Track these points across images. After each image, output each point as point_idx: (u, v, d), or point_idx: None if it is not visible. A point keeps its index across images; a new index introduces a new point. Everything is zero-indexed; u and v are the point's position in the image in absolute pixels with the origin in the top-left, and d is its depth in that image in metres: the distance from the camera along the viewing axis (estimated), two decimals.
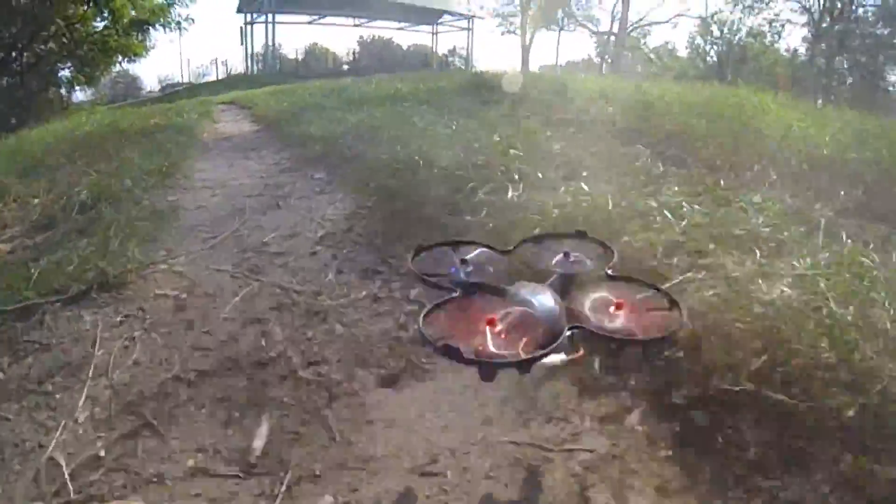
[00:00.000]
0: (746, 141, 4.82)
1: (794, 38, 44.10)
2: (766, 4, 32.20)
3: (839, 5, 29.85)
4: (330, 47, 39.46)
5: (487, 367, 1.24)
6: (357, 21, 40.08)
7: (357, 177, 4.29)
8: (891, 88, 29.80)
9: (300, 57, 37.18)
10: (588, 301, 1.39)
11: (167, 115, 11.66)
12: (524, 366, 1.26)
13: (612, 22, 37.86)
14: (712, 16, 34.44)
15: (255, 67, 36.00)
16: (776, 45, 33.53)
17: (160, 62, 75.39)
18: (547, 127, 5.74)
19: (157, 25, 19.19)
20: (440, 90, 8.86)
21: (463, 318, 1.30)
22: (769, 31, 33.14)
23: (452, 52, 44.53)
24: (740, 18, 33.57)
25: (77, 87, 20.43)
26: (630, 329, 1.32)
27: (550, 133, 5.22)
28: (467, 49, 42.38)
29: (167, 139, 7.51)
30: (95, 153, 6.41)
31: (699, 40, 36.66)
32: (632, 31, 37.44)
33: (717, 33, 35.15)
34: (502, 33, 42.26)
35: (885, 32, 28.76)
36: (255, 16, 35.76)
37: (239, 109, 14.19)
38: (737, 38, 34.26)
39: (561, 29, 40.78)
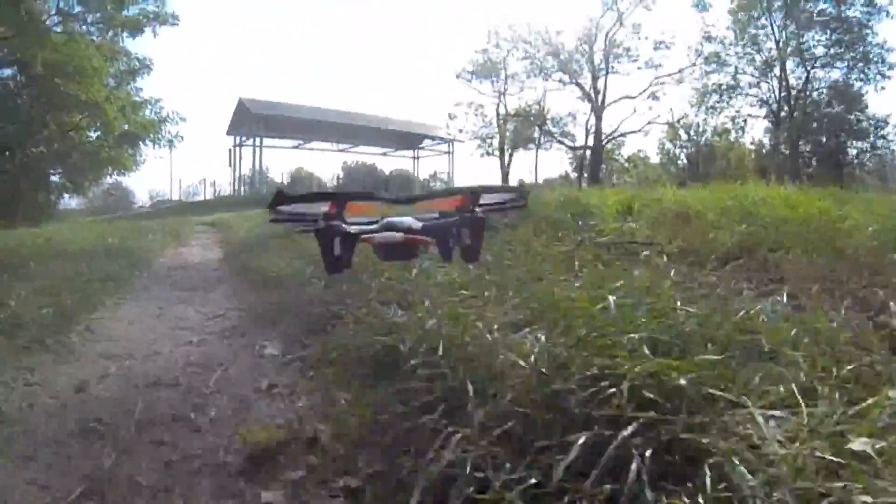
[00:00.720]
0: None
1: (756, 130, 44.53)
2: (727, 103, 33.04)
3: (794, 93, 30.76)
4: (315, 172, 38.76)
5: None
6: (341, 146, 40.03)
7: (328, 364, 2.50)
8: (854, 161, 30.50)
9: (286, 181, 36.32)
10: None
11: (134, 233, 10.46)
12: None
13: (587, 136, 37.76)
14: (678, 120, 35.13)
15: (243, 189, 35.20)
16: (741, 140, 34.17)
17: (152, 178, 75.75)
18: (580, 254, 4.25)
19: (147, 140, 18.08)
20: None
21: None
22: (733, 128, 33.80)
23: (434, 176, 44.36)
24: (705, 119, 34.52)
25: (66, 195, 19.14)
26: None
27: (603, 271, 3.51)
28: (448, 172, 42.28)
29: (108, 267, 5.91)
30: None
31: (668, 145, 37.25)
32: (607, 142, 37.33)
33: (684, 137, 36.00)
34: (482, 155, 40.99)
35: (840, 109, 29.60)
36: (243, 139, 35.38)
37: (215, 232, 13.14)
38: (703, 138, 35.18)
39: (538, 147, 40.49)
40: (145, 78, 18.02)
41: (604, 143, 36.99)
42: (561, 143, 39.15)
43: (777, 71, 31.29)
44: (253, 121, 32.48)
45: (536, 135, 39.91)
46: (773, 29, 30.91)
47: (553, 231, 5.38)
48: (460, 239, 1.69)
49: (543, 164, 50.81)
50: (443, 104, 58.78)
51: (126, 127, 17.06)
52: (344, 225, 1.59)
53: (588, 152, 37.76)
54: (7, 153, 15.94)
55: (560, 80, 37.15)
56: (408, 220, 1.65)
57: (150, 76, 18.12)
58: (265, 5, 75.45)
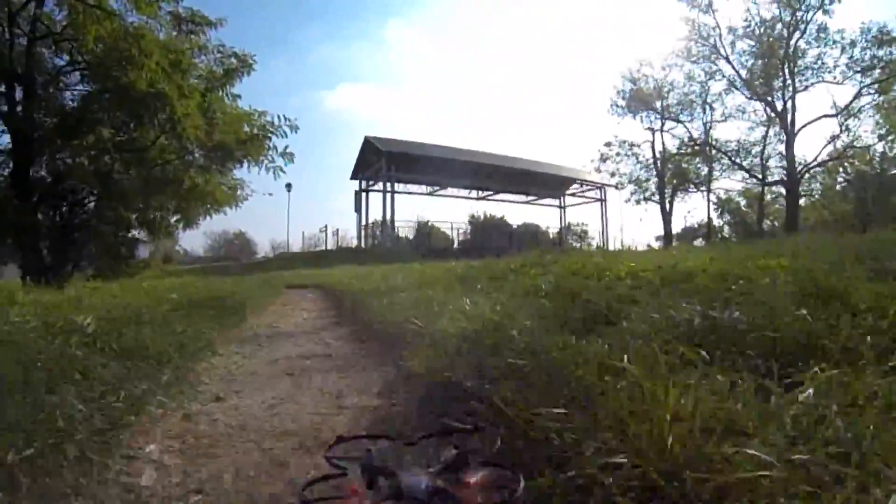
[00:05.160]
0: None
1: None
2: None
3: None
4: (442, 224, 32.17)
5: None
6: (481, 193, 33.74)
7: None
8: None
9: (410, 235, 30.26)
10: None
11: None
12: None
13: (764, 169, 29.74)
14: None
15: (368, 241, 29.69)
16: None
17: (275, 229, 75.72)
18: None
19: (246, 160, 12.48)
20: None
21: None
22: None
23: (567, 227, 36.32)
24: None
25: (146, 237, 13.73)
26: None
27: None
28: (602, 220, 34.65)
29: None
30: None
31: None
32: (802, 175, 28.55)
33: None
34: (637, 201, 33.91)
35: None
36: (370, 182, 30.11)
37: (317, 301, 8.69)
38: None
39: (708, 186, 32.42)
40: (244, 80, 12.39)
41: (799, 175, 28.16)
42: (755, 176, 30.19)
43: None
44: (381, 160, 27.13)
45: (704, 172, 31.95)
46: None
47: None
48: None
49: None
50: (595, 147, 50.51)
51: (215, 138, 11.42)
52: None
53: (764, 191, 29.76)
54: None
55: (738, 107, 29.29)
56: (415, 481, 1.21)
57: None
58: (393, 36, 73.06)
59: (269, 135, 12.17)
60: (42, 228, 10.80)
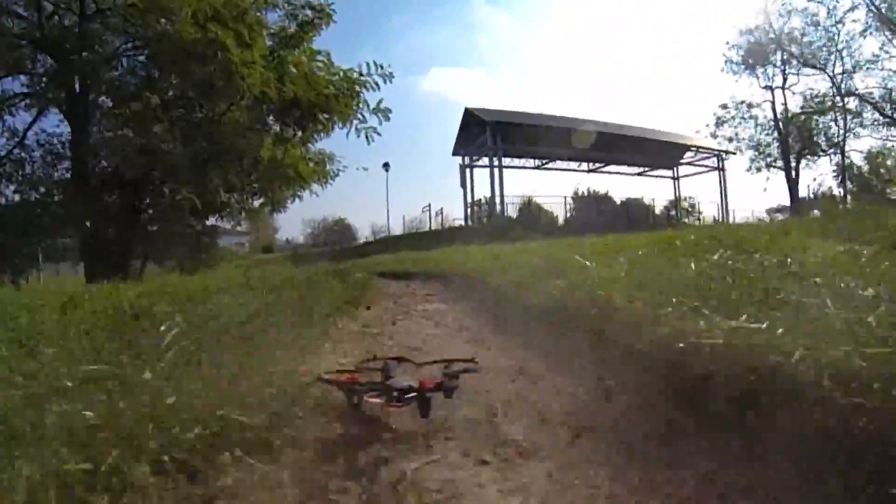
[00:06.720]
0: None
1: None
2: None
3: None
4: (546, 201, 28.25)
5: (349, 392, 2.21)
6: (591, 166, 30.27)
7: None
8: None
9: (514, 213, 27.08)
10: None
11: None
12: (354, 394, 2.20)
13: None
14: None
15: (473, 219, 27.19)
16: None
17: (373, 213, 75.66)
18: None
19: (332, 119, 10.22)
20: None
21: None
22: None
23: (674, 203, 31.36)
24: None
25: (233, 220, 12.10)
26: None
27: None
28: (721, 190, 29.98)
29: None
30: None
31: None
32: None
33: None
34: (758, 168, 29.41)
35: None
36: (473, 158, 27.51)
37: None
38: None
39: (843, 146, 26.81)
40: (323, 33, 10.33)
41: None
42: None
43: None
44: (484, 133, 24.50)
45: (834, 130, 26.68)
46: None
47: None
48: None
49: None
50: (709, 110, 44.32)
51: (287, 94, 9.38)
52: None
53: None
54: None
55: (873, 53, 23.56)
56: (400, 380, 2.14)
57: None
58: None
59: (357, 89, 10.00)
60: (106, 218, 9.30)
